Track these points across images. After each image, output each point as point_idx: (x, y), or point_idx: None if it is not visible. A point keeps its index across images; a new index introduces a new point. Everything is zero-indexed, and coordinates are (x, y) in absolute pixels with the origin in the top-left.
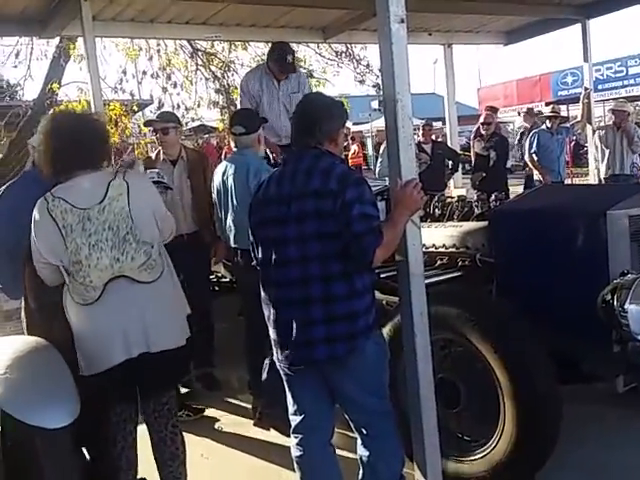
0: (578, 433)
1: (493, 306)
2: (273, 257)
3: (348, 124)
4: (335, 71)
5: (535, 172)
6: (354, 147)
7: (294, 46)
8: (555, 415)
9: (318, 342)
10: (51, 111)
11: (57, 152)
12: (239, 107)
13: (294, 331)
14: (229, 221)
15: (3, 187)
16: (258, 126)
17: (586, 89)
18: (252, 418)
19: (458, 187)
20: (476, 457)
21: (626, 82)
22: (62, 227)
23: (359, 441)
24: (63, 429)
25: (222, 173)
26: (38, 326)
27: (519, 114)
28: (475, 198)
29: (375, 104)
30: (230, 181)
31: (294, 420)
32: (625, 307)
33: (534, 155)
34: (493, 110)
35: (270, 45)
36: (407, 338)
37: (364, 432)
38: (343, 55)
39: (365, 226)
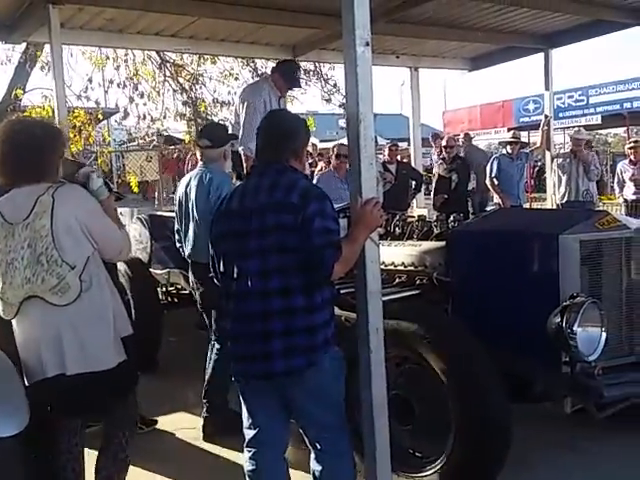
0: (526, 454)
1: (446, 324)
2: (234, 270)
3: (316, 141)
4: (303, 89)
5: (495, 196)
6: (321, 164)
7: (263, 62)
8: (504, 435)
9: (276, 355)
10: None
11: (1, 161)
12: (247, 120)
13: (252, 344)
14: (189, 234)
15: None
16: (226, 141)
17: (546, 116)
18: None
19: (420, 207)
20: (427, 474)
21: (586, 111)
22: None
23: (313, 456)
24: (12, 438)
25: (185, 185)
26: None
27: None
28: (434, 218)
29: (342, 122)
30: (192, 194)
31: (248, 434)
32: (574, 329)
33: (494, 179)
34: (467, 137)
35: (282, 61)
36: (362, 354)
37: (318, 447)
38: (311, 73)
39: (325, 240)
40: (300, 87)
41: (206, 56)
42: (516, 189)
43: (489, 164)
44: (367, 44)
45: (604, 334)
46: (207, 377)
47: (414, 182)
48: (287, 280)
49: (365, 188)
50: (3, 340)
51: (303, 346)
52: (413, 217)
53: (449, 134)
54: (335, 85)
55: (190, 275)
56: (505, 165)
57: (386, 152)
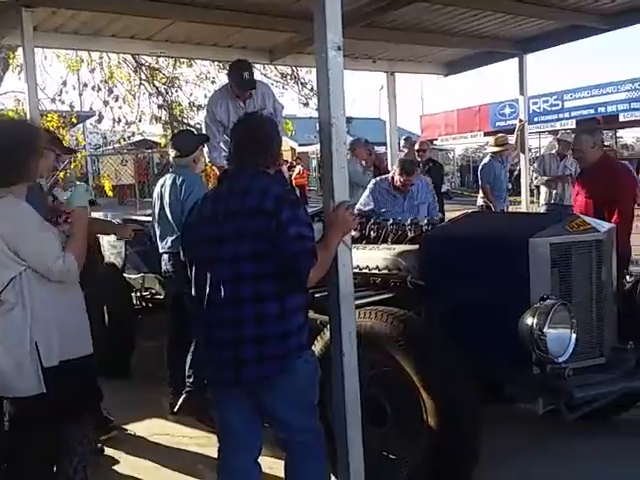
0: (499, 454)
1: (418, 327)
2: (207, 277)
3: (294, 145)
4: (280, 92)
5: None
6: (299, 167)
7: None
8: (475, 436)
9: (249, 362)
10: None
11: None
12: (205, 130)
13: (226, 351)
14: (165, 230)
15: None
16: (195, 148)
17: (520, 121)
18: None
19: None
20: (400, 475)
21: (561, 115)
22: None
23: (286, 459)
24: None
25: (161, 185)
26: None
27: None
28: (409, 222)
29: None
30: (166, 193)
31: (221, 439)
32: (544, 331)
33: (488, 185)
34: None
35: (231, 64)
36: (335, 357)
37: (292, 450)
38: (288, 77)
39: (300, 247)
40: (254, 88)
41: (182, 59)
42: (504, 193)
43: (481, 169)
44: (339, 48)
45: (574, 335)
46: (191, 350)
47: None
48: (260, 286)
49: (337, 192)
50: None
51: (276, 353)
52: (387, 220)
53: (426, 138)
54: (312, 89)
55: (164, 266)
56: (498, 170)
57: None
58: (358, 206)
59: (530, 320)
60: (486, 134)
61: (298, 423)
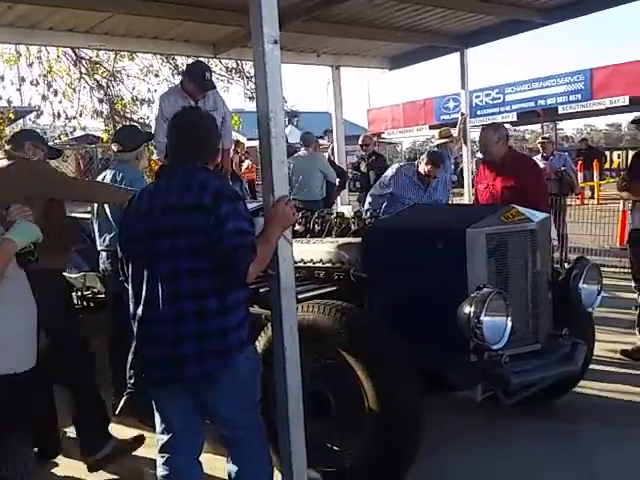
0: (442, 441)
1: (359, 319)
2: (144, 273)
3: (242, 139)
4: (225, 87)
5: None
6: (247, 162)
7: (184, 59)
8: (416, 425)
9: (189, 359)
10: None
11: None
12: (155, 129)
13: (166, 349)
14: (104, 227)
15: None
16: (139, 144)
17: (462, 114)
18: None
19: (345, 204)
20: (343, 467)
21: (502, 109)
22: None
23: (228, 457)
24: None
25: (101, 180)
26: None
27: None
28: (352, 215)
29: None
30: None
31: (161, 439)
32: (480, 319)
33: None
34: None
35: (189, 65)
36: (277, 351)
37: (234, 447)
38: (234, 71)
39: (239, 241)
40: (214, 88)
41: (123, 53)
42: (449, 185)
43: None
44: (275, 42)
45: (509, 323)
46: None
47: (338, 179)
48: (199, 282)
49: (277, 187)
50: None
51: (216, 349)
52: (331, 214)
53: (373, 131)
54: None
55: (102, 264)
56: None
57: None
58: (373, 190)
59: (467, 309)
60: (431, 127)
61: (240, 420)
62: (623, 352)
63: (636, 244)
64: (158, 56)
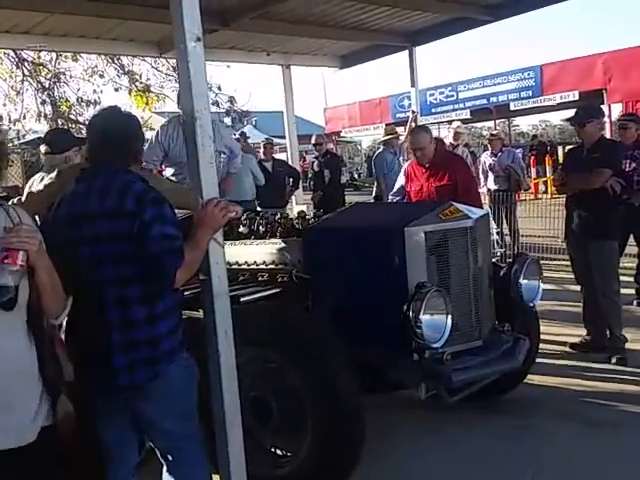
0: (389, 441)
1: (299, 322)
2: (69, 283)
3: None
4: (173, 86)
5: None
6: None
7: (130, 59)
8: (358, 426)
9: (119, 370)
10: None
11: None
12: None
13: (94, 360)
14: None
15: None
16: (68, 147)
17: (413, 112)
18: None
19: (299, 204)
20: (286, 471)
21: (456, 106)
22: None
23: (164, 468)
24: None
25: (29, 185)
26: None
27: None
28: (296, 215)
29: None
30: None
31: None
32: (419, 317)
33: (382, 176)
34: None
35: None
36: (211, 358)
37: (169, 458)
38: None
39: (165, 246)
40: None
41: (67, 54)
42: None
43: (374, 160)
44: (198, 39)
45: (449, 321)
46: None
47: (291, 179)
48: (125, 291)
49: (205, 189)
50: None
51: (146, 359)
52: (275, 214)
53: (330, 130)
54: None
55: None
56: (390, 160)
57: (262, 150)
58: (390, 196)
59: (406, 308)
60: (387, 125)
61: (173, 430)
62: (572, 345)
63: (572, 237)
64: (102, 56)
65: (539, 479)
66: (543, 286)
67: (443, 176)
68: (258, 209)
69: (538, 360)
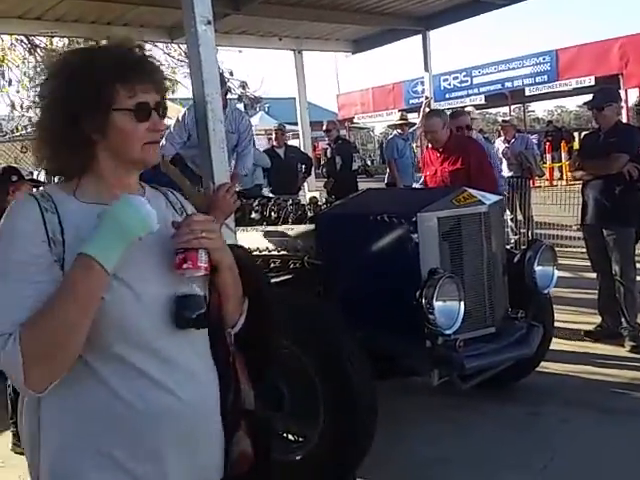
0: (399, 426)
1: (312, 307)
2: None
3: None
4: (185, 72)
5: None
6: None
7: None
8: (370, 410)
9: None
10: None
11: None
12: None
13: None
14: None
15: None
16: None
17: (427, 98)
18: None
19: (312, 191)
20: (299, 455)
21: (470, 91)
22: None
23: None
24: None
25: None
26: None
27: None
28: (308, 201)
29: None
30: None
31: None
32: (432, 303)
33: (393, 161)
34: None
35: None
36: None
37: None
38: None
39: None
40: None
41: (79, 40)
42: (410, 169)
43: (385, 146)
44: (209, 22)
45: (462, 307)
46: None
47: (303, 166)
48: None
49: (217, 173)
50: None
51: None
52: (287, 200)
53: (343, 116)
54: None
55: None
56: (401, 146)
57: (273, 136)
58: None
59: (419, 294)
60: (400, 111)
61: None
62: (586, 333)
63: (587, 224)
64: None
65: (552, 465)
66: (558, 273)
67: (457, 160)
68: (269, 194)
69: (552, 347)
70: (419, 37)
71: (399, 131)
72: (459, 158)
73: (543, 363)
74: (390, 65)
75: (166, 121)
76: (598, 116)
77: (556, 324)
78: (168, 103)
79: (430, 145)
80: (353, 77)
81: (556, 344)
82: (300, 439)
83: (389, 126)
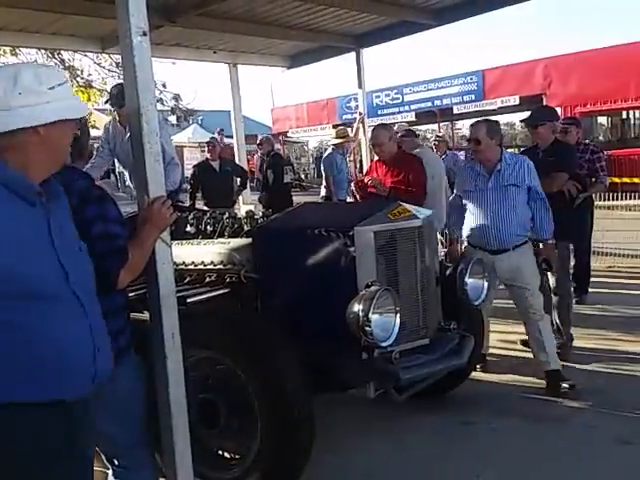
0: (338, 440)
1: (248, 323)
2: None
3: None
4: (115, 82)
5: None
6: None
7: (70, 54)
8: (308, 426)
9: None
10: None
11: None
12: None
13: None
14: None
15: None
16: None
17: (360, 114)
18: None
19: (247, 204)
20: (236, 473)
21: (402, 108)
22: None
23: (110, 472)
24: None
25: None
26: None
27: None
28: (244, 215)
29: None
30: None
31: None
32: (369, 316)
33: (331, 177)
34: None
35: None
36: (157, 360)
37: (116, 463)
38: None
39: (107, 246)
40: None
41: (5, 48)
42: (346, 183)
43: (324, 161)
44: (144, 34)
45: (398, 320)
46: None
47: (239, 179)
48: None
49: (151, 186)
50: None
51: None
52: (223, 214)
53: (277, 130)
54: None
55: None
56: (339, 161)
57: (207, 149)
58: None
59: (356, 307)
60: (334, 127)
61: (120, 436)
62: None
63: None
64: (43, 51)
65: (485, 475)
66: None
67: (399, 173)
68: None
69: (489, 358)
70: (353, 54)
71: (334, 146)
72: (401, 171)
73: (477, 373)
74: (324, 81)
75: (95, 132)
76: (533, 134)
77: (493, 334)
78: (98, 114)
79: (377, 157)
80: (287, 91)
81: (493, 354)
82: (236, 456)
83: (334, 145)
